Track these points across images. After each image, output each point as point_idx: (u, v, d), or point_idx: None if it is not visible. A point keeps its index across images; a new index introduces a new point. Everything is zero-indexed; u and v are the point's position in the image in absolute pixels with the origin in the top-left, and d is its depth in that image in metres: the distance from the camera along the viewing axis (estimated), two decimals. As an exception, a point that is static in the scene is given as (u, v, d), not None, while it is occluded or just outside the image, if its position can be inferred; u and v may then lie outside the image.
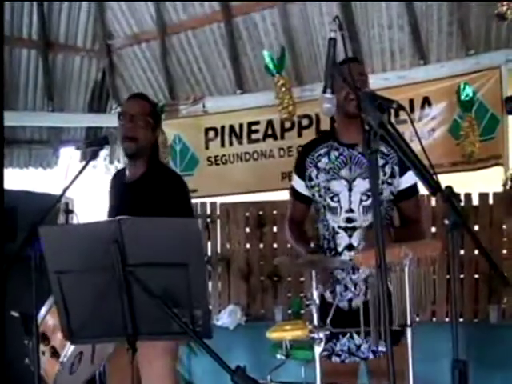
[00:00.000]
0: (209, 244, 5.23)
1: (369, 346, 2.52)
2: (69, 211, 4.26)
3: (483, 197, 4.63)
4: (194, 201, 5.24)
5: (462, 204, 4.43)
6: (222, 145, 5.68)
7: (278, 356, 2.35)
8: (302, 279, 4.93)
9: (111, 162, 6.53)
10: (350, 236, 2.59)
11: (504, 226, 4.55)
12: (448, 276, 4.28)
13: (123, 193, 2.93)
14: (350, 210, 2.59)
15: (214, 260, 5.18)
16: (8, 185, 4.50)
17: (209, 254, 5.21)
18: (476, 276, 4.57)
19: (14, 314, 2.44)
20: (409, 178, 2.62)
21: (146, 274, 1.91)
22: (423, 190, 1.90)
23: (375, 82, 4.29)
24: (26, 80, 5.99)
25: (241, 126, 5.62)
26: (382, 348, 2.45)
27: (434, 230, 4.61)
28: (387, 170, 2.63)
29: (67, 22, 5.94)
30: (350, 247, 2.60)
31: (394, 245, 2.26)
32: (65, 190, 2.45)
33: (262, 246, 5.15)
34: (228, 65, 5.69)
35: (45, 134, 6.36)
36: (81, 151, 6.30)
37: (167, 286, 1.91)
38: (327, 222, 2.64)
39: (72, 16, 5.93)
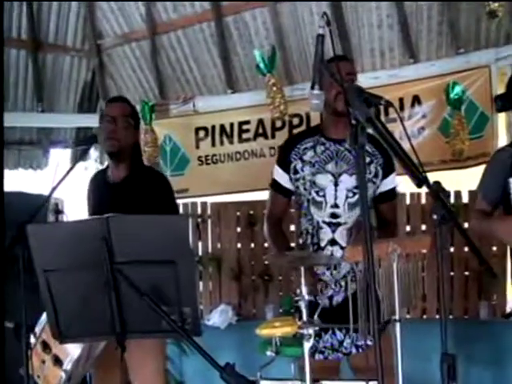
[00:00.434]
0: (200, 244, 5.23)
1: (351, 341, 2.53)
2: (59, 211, 4.25)
3: (473, 195, 4.64)
4: (184, 201, 5.28)
5: (452, 202, 4.49)
6: (213, 144, 5.68)
7: (268, 353, 2.34)
8: (292, 278, 4.93)
9: (102, 163, 6.51)
10: (334, 231, 2.59)
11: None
12: (438, 273, 4.30)
13: (106, 194, 2.94)
14: (335, 206, 2.59)
15: (204, 260, 5.17)
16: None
17: (200, 253, 5.20)
18: (466, 273, 4.59)
19: (9, 325, 2.42)
20: (391, 181, 2.64)
21: (134, 272, 1.91)
22: (413, 187, 1.91)
23: (365, 80, 4.30)
24: (15, 80, 5.97)
25: (231, 125, 5.62)
26: (367, 342, 2.46)
27: (423, 227, 4.63)
28: (372, 168, 2.63)
29: (57, 21, 5.92)
30: (332, 242, 2.59)
31: (382, 240, 2.26)
32: (53, 190, 2.44)
33: (253, 245, 5.15)
34: (218, 64, 5.68)
35: (35, 135, 6.33)
36: (71, 151, 6.28)
37: (155, 284, 1.91)
38: (311, 216, 2.63)
39: (61, 16, 5.91)
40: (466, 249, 4.41)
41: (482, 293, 4.54)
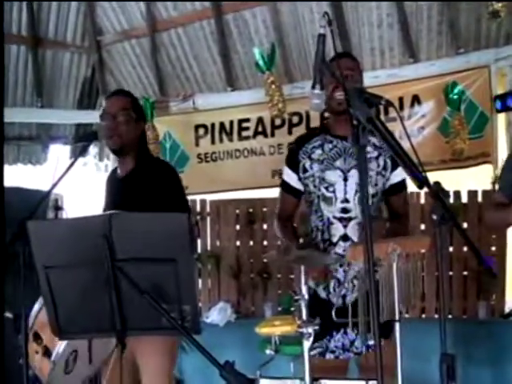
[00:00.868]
0: (199, 241, 5.22)
1: (362, 341, 2.52)
2: (58, 208, 4.25)
3: (472, 194, 4.65)
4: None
5: (452, 201, 4.49)
6: (213, 142, 5.68)
7: (267, 351, 2.34)
8: (291, 276, 4.94)
9: (101, 160, 6.52)
10: (345, 226, 2.58)
11: (493, 224, 4.58)
12: (437, 273, 4.30)
13: (116, 189, 2.93)
14: (346, 200, 2.58)
15: (203, 257, 5.17)
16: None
17: (199, 251, 5.20)
18: (465, 273, 4.60)
19: (9, 315, 2.42)
20: (400, 173, 2.63)
21: (134, 269, 1.90)
22: (412, 187, 1.92)
23: (365, 79, 4.27)
24: (15, 76, 5.97)
25: (231, 123, 5.63)
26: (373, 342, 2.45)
27: (423, 227, 4.63)
28: (380, 161, 2.62)
29: (57, 17, 5.92)
30: (344, 237, 2.59)
31: (382, 240, 2.26)
32: (53, 186, 2.43)
33: (252, 243, 5.15)
34: (218, 62, 5.69)
35: (34, 131, 6.33)
36: (70, 147, 6.28)
37: (156, 281, 1.91)
38: (321, 212, 2.63)
39: (62, 12, 5.91)
40: (465, 249, 4.42)
41: (480, 293, 4.55)
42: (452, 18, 4.84)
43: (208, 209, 5.27)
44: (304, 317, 2.25)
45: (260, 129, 5.54)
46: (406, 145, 1.85)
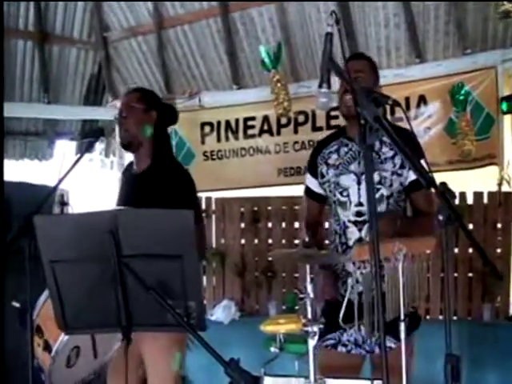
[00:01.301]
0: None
1: (375, 340, 2.51)
2: (64, 203, 4.25)
3: (478, 196, 4.64)
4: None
5: (457, 202, 4.48)
6: (218, 140, 5.68)
7: (272, 349, 2.35)
8: (296, 275, 4.95)
9: (107, 156, 6.53)
10: (360, 230, 2.59)
11: (498, 225, 4.58)
12: (442, 274, 4.30)
13: (130, 185, 2.95)
14: (360, 204, 2.59)
15: (208, 255, 5.17)
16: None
17: (204, 249, 5.21)
18: (470, 275, 4.59)
19: (16, 304, 2.43)
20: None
21: (140, 265, 1.91)
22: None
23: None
24: (21, 71, 5.98)
25: (237, 121, 5.62)
26: (390, 344, 2.41)
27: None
28: (397, 160, 2.61)
29: (64, 13, 5.93)
30: (360, 241, 2.59)
31: (388, 240, 2.26)
32: (60, 181, 2.44)
33: (256, 241, 5.16)
34: (224, 60, 5.69)
35: (40, 126, 6.35)
36: (76, 143, 6.30)
37: (162, 278, 1.91)
38: (338, 216, 2.65)
39: (68, 8, 5.92)
40: (470, 250, 4.41)
41: (485, 295, 4.54)
42: (459, 18, 4.83)
43: (213, 206, 5.28)
44: (309, 315, 2.26)
45: (266, 127, 5.53)
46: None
